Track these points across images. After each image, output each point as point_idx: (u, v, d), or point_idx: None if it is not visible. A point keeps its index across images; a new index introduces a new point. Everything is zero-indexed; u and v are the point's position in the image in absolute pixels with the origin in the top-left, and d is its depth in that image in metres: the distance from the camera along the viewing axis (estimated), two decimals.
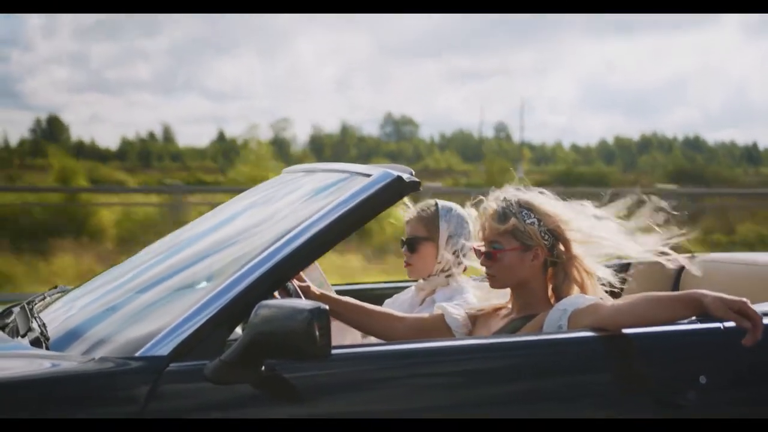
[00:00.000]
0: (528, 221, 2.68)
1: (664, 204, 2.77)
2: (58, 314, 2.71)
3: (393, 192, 2.51)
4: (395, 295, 3.44)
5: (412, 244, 3.23)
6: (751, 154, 60.77)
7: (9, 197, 14.07)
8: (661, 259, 2.76)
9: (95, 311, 2.58)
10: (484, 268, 2.74)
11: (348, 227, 2.47)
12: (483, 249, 2.72)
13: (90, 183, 17.14)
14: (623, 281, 2.93)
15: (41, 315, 2.71)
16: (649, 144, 66.35)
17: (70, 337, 2.42)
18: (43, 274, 10.02)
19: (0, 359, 2.34)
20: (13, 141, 51.30)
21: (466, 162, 46.80)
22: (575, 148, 68.06)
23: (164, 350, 2.22)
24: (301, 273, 2.91)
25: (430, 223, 3.22)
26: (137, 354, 2.22)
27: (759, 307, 2.49)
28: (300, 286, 2.86)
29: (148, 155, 50.18)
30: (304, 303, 2.15)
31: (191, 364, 2.21)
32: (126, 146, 53.86)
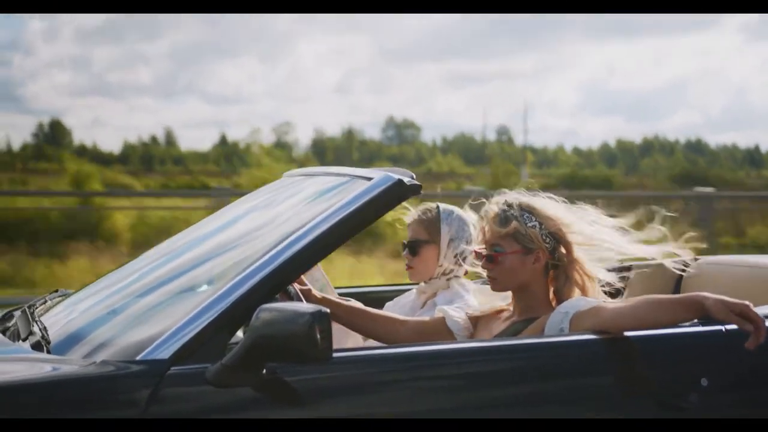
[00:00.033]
0: (529, 224, 2.68)
1: (672, 213, 2.77)
2: (59, 318, 2.71)
3: (394, 195, 2.51)
4: (396, 298, 3.44)
5: (413, 247, 3.23)
6: (753, 157, 60.64)
7: (23, 201, 14.11)
8: (664, 261, 2.75)
9: (96, 315, 2.58)
10: (485, 271, 2.75)
11: (349, 231, 2.47)
12: (484, 252, 2.72)
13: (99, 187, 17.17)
14: (624, 283, 2.93)
15: (42, 318, 2.71)
16: (650, 147, 66.26)
17: (72, 340, 2.42)
18: (59, 277, 10.01)
19: (1, 363, 2.34)
20: (16, 145, 51.41)
21: (468, 165, 46.79)
22: (577, 151, 68.04)
23: (165, 354, 2.21)
24: (303, 276, 2.91)
25: (431, 226, 3.22)
26: (138, 357, 2.22)
27: (761, 310, 2.49)
28: (301, 290, 2.86)
29: (151, 159, 50.18)
30: (305, 306, 2.15)
31: (192, 368, 2.21)
32: (128, 150, 53.84)
